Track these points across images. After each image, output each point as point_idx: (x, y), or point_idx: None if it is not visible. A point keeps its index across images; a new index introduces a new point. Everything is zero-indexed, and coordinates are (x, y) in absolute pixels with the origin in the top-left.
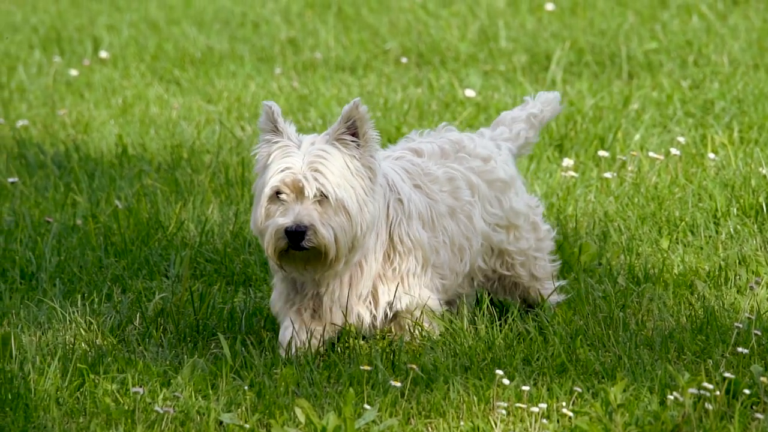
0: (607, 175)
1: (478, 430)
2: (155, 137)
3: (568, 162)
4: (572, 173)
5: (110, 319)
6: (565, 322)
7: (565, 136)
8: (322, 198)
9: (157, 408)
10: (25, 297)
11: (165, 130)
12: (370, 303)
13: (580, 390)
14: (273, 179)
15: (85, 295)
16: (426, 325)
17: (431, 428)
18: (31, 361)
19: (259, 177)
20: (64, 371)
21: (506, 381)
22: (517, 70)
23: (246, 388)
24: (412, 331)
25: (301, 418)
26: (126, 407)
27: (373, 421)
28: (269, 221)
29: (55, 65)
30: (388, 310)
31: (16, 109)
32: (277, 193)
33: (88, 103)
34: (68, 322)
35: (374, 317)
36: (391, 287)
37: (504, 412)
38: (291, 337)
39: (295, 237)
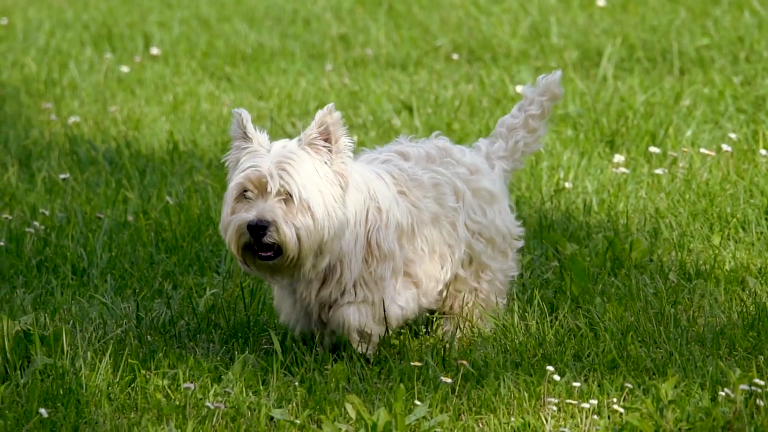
0: (659, 171)
1: (529, 426)
2: (206, 134)
3: (619, 158)
4: (623, 169)
5: (161, 315)
6: (616, 319)
7: (617, 132)
8: (288, 197)
9: (208, 404)
10: (77, 293)
11: (216, 127)
12: (328, 308)
13: (630, 386)
14: (239, 177)
15: (136, 290)
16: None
17: (482, 424)
18: (82, 357)
19: (228, 182)
20: (115, 367)
21: (557, 377)
22: (568, 66)
23: (297, 383)
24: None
25: (352, 414)
26: (177, 403)
27: (424, 417)
28: (233, 216)
29: (106, 62)
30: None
31: (67, 106)
32: (244, 192)
33: (139, 100)
34: (119, 318)
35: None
36: (364, 290)
37: (555, 408)
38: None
39: (257, 231)
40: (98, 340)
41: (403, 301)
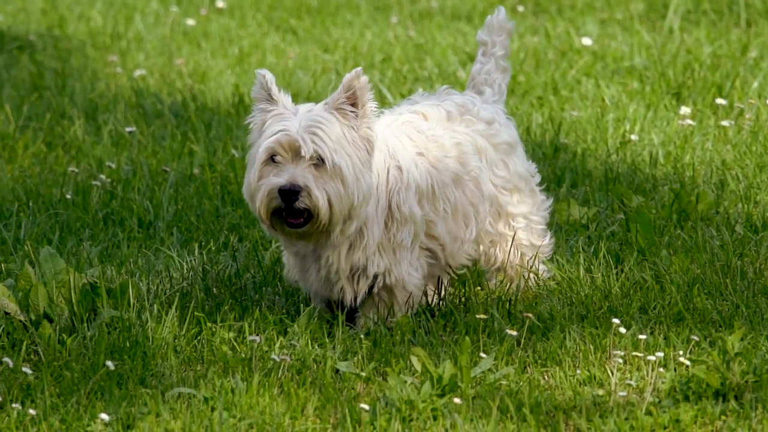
0: (725, 123)
1: (595, 378)
2: None
3: (685, 110)
4: (690, 121)
5: (227, 267)
6: (682, 271)
7: (683, 84)
8: (319, 162)
9: (273, 356)
10: (143, 246)
11: (281, 80)
12: (354, 277)
13: (697, 339)
14: (269, 141)
15: (202, 243)
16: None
17: (547, 376)
18: (148, 310)
19: (253, 144)
20: (181, 319)
21: (623, 330)
22: (634, 18)
23: (362, 336)
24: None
25: (417, 367)
26: (243, 355)
27: (489, 370)
28: (262, 181)
29: (172, 15)
30: (378, 282)
31: (133, 59)
32: (272, 156)
33: (205, 53)
34: (185, 271)
35: (356, 293)
36: (384, 257)
37: (620, 360)
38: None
39: (289, 196)
40: (164, 292)
41: (416, 280)
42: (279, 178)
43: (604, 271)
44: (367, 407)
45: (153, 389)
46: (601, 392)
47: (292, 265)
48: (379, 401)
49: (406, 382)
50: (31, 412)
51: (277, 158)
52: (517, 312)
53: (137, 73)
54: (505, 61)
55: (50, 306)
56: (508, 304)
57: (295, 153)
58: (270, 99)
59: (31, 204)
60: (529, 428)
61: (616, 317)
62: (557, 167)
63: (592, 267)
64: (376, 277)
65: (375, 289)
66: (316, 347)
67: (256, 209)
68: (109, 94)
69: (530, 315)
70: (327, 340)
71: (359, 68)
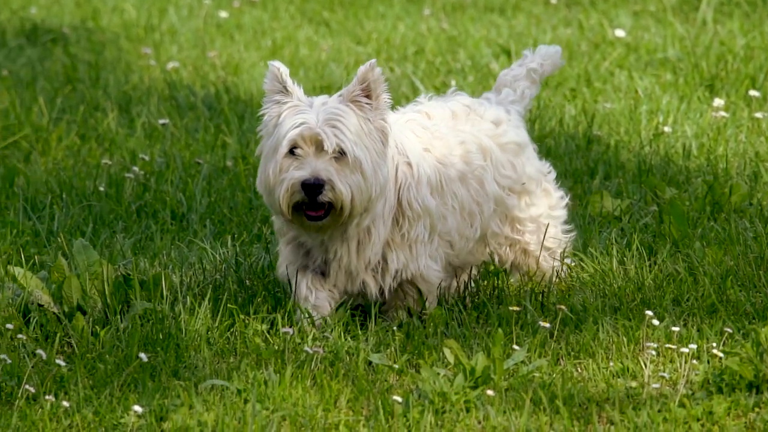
0: (759, 115)
1: (628, 370)
2: (304, 79)
3: (718, 102)
4: (723, 113)
5: (260, 259)
6: (715, 263)
7: (716, 76)
8: (340, 155)
9: (306, 348)
10: (176, 238)
11: (314, 72)
12: (376, 271)
13: (730, 331)
14: (290, 133)
15: (235, 235)
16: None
17: (580, 369)
18: (181, 302)
19: (268, 136)
20: (214, 311)
21: (656, 322)
22: (667, 9)
23: (395, 328)
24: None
25: (450, 359)
26: (276, 347)
27: (522, 362)
28: (284, 175)
29: (205, 7)
30: (399, 276)
31: (166, 51)
32: (292, 149)
33: (238, 45)
34: (218, 263)
35: (381, 286)
36: (400, 254)
37: (654, 352)
38: (305, 296)
39: (312, 190)
40: (197, 284)
41: (436, 272)
42: (302, 172)
43: (637, 263)
44: (399, 399)
45: (186, 381)
46: (634, 384)
47: (290, 260)
48: (411, 393)
49: (438, 374)
50: (65, 404)
51: (298, 151)
52: (550, 304)
53: (170, 65)
54: (537, 75)
55: (83, 298)
56: (541, 296)
57: (317, 146)
58: (284, 91)
59: (64, 196)
60: (562, 420)
61: (649, 309)
62: (590, 159)
63: (625, 259)
64: (397, 271)
65: (395, 283)
66: (349, 339)
67: (277, 202)
68: (142, 87)
69: (563, 307)
70: (360, 332)
71: (373, 60)
